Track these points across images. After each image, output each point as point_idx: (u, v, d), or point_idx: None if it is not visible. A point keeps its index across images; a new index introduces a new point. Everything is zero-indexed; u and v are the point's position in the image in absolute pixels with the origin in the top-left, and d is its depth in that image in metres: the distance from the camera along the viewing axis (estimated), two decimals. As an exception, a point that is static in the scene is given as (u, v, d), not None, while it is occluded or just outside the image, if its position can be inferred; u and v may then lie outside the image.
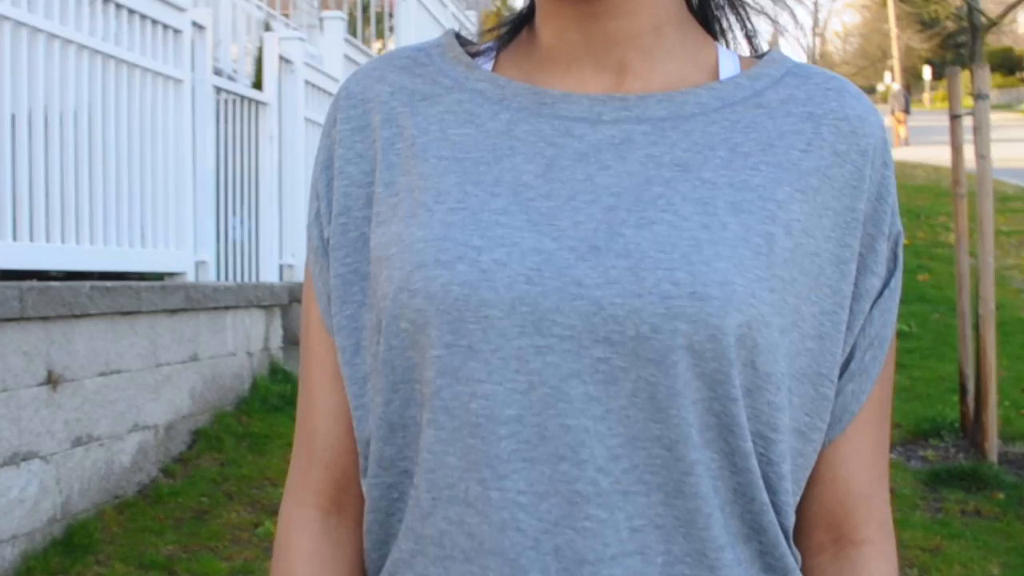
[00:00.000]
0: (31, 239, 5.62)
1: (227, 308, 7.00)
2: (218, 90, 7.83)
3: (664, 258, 1.09)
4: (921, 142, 29.50)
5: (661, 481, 1.10)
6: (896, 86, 30.53)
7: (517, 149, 1.17)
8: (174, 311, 6.36)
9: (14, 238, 5.48)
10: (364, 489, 1.21)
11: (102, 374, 5.64)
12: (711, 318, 1.08)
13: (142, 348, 6.03)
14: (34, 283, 5.14)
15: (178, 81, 7.08)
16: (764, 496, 1.15)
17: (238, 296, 7.13)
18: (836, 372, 1.19)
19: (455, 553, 1.12)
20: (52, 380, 5.22)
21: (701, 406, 1.10)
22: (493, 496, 1.10)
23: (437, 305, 1.11)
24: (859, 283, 1.20)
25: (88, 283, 5.54)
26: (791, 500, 1.18)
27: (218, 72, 8.10)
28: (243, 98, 8.24)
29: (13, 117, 5.47)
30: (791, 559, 1.18)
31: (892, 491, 5.72)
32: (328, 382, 1.24)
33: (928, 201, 17.11)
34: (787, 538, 1.18)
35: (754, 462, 1.13)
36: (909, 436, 7.01)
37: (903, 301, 10.48)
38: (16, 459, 4.96)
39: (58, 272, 5.91)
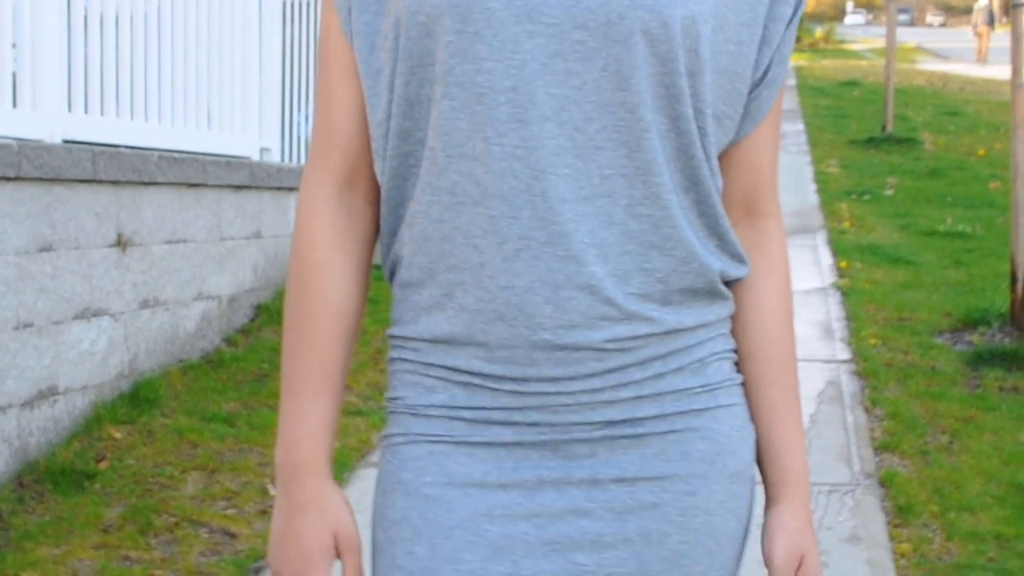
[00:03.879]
0: (102, 113, 5.99)
1: (290, 189, 7.40)
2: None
3: None
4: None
5: (625, 139, 1.49)
6: (984, 1, 30.26)
7: None
8: (239, 187, 6.76)
9: (85, 111, 5.86)
10: (381, 162, 1.58)
11: (168, 242, 6.06)
12: (664, 9, 1.46)
13: (207, 220, 6.44)
14: (106, 148, 5.54)
15: (244, -30, 7.44)
16: (700, 154, 1.53)
17: (301, 178, 7.51)
18: (748, 74, 1.58)
19: (465, 199, 1.50)
20: (121, 243, 5.63)
21: (655, 79, 1.49)
22: (495, 151, 1.48)
23: (449, 0, 1.47)
24: (773, 8, 1.59)
25: (157, 152, 5.94)
26: (716, 165, 1.58)
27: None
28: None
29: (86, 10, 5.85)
30: (720, 209, 1.58)
31: (933, 368, 6.01)
32: (345, 80, 1.61)
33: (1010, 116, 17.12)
34: (718, 195, 1.57)
35: (693, 126, 1.52)
36: (958, 324, 7.26)
37: (970, 206, 10.67)
38: (87, 314, 5.39)
39: (127, 147, 6.31)
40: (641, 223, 1.50)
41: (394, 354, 1.61)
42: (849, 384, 6.22)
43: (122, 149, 5.72)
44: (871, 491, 4.97)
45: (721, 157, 1.60)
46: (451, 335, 1.53)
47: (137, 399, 5.61)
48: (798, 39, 31.04)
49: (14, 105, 5.28)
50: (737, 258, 1.61)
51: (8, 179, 4.85)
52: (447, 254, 1.52)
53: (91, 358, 5.43)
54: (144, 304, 5.86)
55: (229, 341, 6.63)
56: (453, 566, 1.53)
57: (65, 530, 4.51)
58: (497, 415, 1.53)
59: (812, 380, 6.23)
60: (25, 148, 4.93)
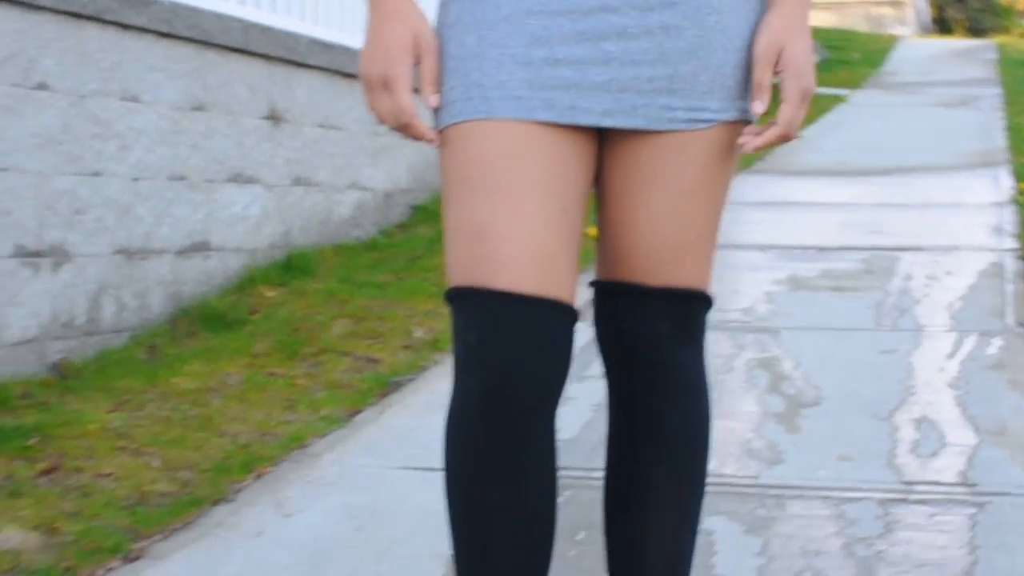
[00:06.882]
0: (257, 6, 6.42)
1: (445, 96, 7.80)
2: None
3: None
4: None
5: None
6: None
7: None
8: (392, 85, 7.20)
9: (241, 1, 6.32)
10: None
11: (321, 125, 6.52)
12: None
13: (360, 112, 6.89)
14: (256, 21, 6.01)
15: None
16: None
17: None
18: None
19: None
20: (274, 117, 6.11)
21: None
22: None
23: None
24: None
25: (307, 36, 6.42)
26: None
27: None
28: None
29: None
30: None
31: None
32: None
33: None
34: None
35: None
36: None
37: None
38: (240, 179, 5.86)
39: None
40: None
41: None
42: (1013, 264, 6.37)
43: (272, 26, 6.19)
44: (1021, 336, 5.15)
45: None
46: None
47: (290, 267, 6.07)
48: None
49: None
50: None
51: (161, 34, 5.34)
52: None
53: (244, 222, 5.89)
54: (297, 181, 6.32)
55: (384, 233, 7.07)
56: (498, 50, 1.95)
57: (215, 356, 4.96)
58: None
59: (972, 262, 6.40)
60: (177, 7, 5.42)
